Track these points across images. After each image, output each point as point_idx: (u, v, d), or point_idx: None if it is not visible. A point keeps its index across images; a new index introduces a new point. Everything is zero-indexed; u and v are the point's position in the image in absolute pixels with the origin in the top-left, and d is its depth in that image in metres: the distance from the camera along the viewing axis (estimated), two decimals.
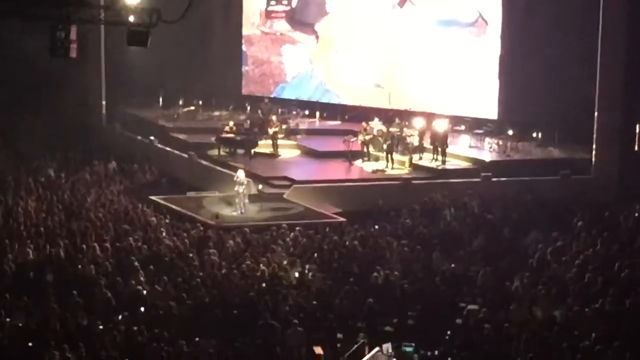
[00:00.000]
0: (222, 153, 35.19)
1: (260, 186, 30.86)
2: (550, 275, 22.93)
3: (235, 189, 29.16)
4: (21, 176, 31.39)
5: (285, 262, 24.20)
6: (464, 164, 33.84)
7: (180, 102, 40.58)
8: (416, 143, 34.37)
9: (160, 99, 40.46)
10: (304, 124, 38.73)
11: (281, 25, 41.16)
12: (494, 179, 31.37)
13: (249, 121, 37.43)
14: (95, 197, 29.40)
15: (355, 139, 34.42)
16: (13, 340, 19.49)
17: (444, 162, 33.42)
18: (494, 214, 27.75)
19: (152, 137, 36.32)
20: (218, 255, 24.52)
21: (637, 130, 32.15)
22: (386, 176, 32.72)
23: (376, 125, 34.94)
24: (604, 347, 18.39)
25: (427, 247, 25.13)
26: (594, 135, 31.72)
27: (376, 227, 26.83)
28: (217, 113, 40.16)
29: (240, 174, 29.31)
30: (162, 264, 23.85)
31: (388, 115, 36.31)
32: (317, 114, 39.89)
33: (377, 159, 34.05)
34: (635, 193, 29.07)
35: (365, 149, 34.28)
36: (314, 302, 22.22)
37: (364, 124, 34.85)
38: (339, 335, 21.49)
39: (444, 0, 37.46)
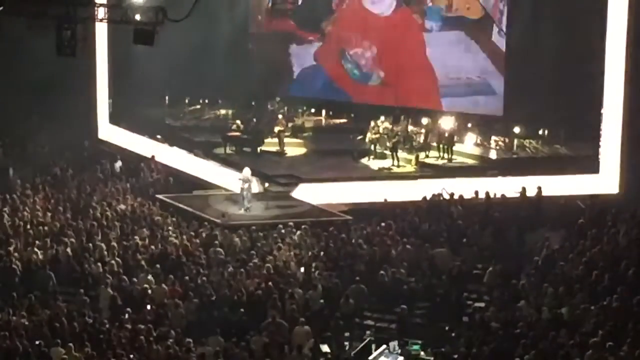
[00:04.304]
0: (228, 151, 35.19)
1: (266, 184, 30.85)
2: (557, 273, 22.89)
3: (240, 186, 29.13)
4: (27, 175, 31.38)
5: (291, 261, 24.20)
6: (470, 162, 33.81)
7: (187, 101, 40.55)
8: (422, 141, 34.36)
9: (167, 98, 40.41)
10: (310, 122, 38.69)
11: (287, 24, 41.10)
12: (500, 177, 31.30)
13: (255, 119, 37.41)
14: (101, 196, 29.40)
15: None
16: (20, 338, 19.51)
17: (450, 160, 33.41)
18: (501, 212, 27.69)
19: (158, 136, 36.28)
20: (224, 254, 24.53)
21: None
22: (392, 174, 32.71)
23: (382, 123, 34.90)
24: (611, 345, 18.37)
25: (433, 245, 25.11)
26: (601, 132, 31.61)
27: (382, 224, 26.81)
28: (223, 111, 40.10)
29: (246, 172, 29.29)
30: (168, 263, 23.88)
31: (394, 114, 36.25)
32: (324, 112, 39.79)
33: (383, 157, 34.02)
34: None
35: (372, 147, 34.25)
36: (321, 300, 22.24)
37: (372, 122, 34.84)
38: (346, 334, 21.55)
39: None
